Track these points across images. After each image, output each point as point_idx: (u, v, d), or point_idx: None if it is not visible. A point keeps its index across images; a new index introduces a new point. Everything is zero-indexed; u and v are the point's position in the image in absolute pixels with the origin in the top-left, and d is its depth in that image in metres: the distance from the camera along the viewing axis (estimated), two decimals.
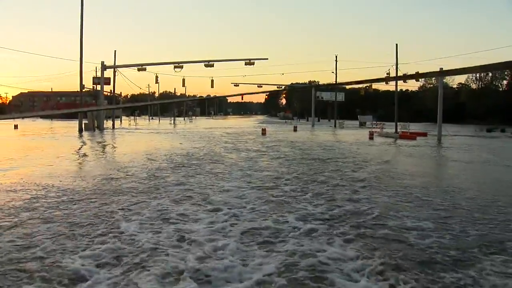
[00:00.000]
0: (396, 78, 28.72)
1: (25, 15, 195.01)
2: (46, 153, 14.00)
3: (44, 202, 6.21)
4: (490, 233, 4.92)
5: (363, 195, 7.18)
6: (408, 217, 5.63)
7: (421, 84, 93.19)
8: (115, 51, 41.32)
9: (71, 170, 10.04)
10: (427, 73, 11.28)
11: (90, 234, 4.61)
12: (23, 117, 51.59)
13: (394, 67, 30.66)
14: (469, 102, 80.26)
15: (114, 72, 38.14)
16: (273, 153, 15.04)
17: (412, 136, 27.28)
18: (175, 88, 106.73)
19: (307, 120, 61.28)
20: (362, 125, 49.06)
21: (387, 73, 31.32)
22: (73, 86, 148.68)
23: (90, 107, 44.57)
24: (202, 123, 58.42)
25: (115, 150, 16.86)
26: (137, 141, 22.12)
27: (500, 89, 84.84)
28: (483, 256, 4.08)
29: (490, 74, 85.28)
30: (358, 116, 49.78)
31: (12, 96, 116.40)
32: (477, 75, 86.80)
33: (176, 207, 6.03)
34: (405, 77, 27.96)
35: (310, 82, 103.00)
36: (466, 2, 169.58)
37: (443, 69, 27.00)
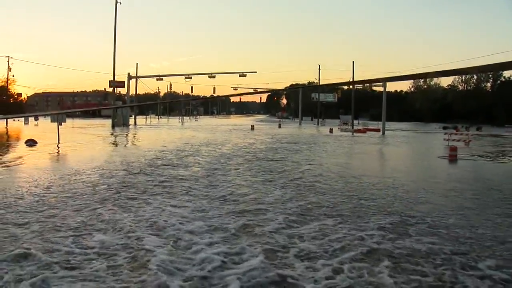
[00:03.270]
0: (353, 83, 39.44)
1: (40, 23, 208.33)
2: (130, 140, 24.89)
3: (185, 148, 17.12)
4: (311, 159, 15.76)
5: (293, 154, 17.97)
6: (301, 160, 16.38)
7: (411, 85, 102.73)
8: (137, 63, 51.68)
9: (163, 144, 20.92)
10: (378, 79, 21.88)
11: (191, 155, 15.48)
12: (44, 115, 62.66)
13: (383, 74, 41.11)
14: (455, 103, 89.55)
15: (136, 81, 49.07)
16: (251, 140, 25.97)
17: (363, 131, 37.67)
18: (183, 91, 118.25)
19: (301, 119, 71.77)
20: (345, 124, 59.34)
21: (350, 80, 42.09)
22: (83, 87, 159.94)
23: (109, 107, 55.12)
24: (207, 122, 69.45)
25: (160, 138, 27.33)
26: (165, 133, 32.65)
27: (487, 90, 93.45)
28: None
29: (476, 77, 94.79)
30: (340, 116, 60.23)
31: (27, 96, 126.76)
32: (463, 77, 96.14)
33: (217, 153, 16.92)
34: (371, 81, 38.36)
35: (309, 83, 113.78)
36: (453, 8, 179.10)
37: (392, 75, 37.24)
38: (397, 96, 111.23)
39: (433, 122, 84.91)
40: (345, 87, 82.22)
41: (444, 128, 55.89)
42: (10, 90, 41.63)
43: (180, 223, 5.84)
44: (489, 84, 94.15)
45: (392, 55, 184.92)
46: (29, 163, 12.75)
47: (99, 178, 9.72)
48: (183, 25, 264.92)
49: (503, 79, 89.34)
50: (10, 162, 12.85)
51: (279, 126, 45.14)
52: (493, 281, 4.00)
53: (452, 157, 15.26)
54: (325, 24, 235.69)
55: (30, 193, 7.80)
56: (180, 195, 7.86)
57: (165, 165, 12.27)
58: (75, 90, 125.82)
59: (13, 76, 44.14)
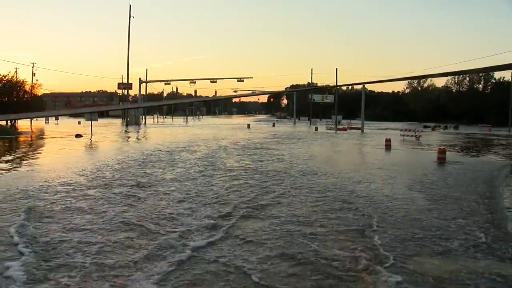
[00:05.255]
0: (336, 86, 45.90)
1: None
2: (155, 135, 31.56)
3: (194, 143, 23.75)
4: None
5: (274, 145, 24.52)
6: (277, 147, 22.94)
7: (406, 86, 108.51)
8: (146, 69, 58.62)
9: (186, 137, 27.54)
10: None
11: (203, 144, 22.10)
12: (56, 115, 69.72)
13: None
14: (448, 103, 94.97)
15: (146, 85, 55.81)
16: (247, 136, 32.55)
17: (345, 129, 44.13)
18: (186, 93, 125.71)
19: (299, 119, 78.53)
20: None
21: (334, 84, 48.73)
22: (88, 88, 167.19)
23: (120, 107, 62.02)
24: (210, 121, 76.05)
25: (171, 134, 33.83)
26: (174, 131, 38.98)
27: (479, 91, 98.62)
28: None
29: (468, 78, 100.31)
30: (332, 116, 66.76)
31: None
32: (456, 79, 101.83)
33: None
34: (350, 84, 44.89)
35: (308, 84, 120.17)
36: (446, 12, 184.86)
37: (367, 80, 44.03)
38: (393, 96, 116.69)
39: (428, 122, 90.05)
40: (344, 88, 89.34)
41: (425, 127, 62.11)
42: (36, 94, 48.22)
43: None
44: (481, 86, 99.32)
45: (392, 55, 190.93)
46: (91, 148, 19.37)
47: (141, 155, 16.30)
48: (184, 27, 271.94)
49: (494, 81, 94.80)
50: (81, 148, 19.47)
51: (273, 125, 51.85)
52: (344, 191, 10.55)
53: (387, 146, 21.75)
54: (325, 27, 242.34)
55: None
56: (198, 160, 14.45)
57: (184, 151, 18.84)
58: (80, 91, 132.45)
59: (36, 80, 50.73)
